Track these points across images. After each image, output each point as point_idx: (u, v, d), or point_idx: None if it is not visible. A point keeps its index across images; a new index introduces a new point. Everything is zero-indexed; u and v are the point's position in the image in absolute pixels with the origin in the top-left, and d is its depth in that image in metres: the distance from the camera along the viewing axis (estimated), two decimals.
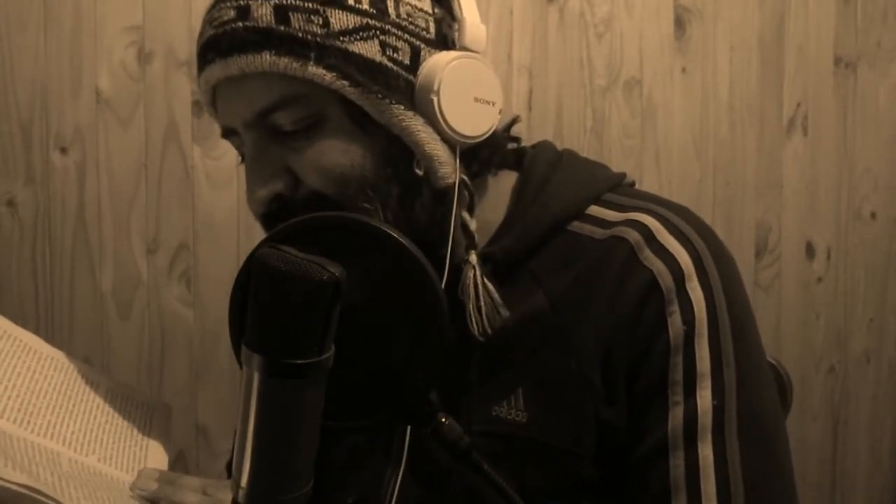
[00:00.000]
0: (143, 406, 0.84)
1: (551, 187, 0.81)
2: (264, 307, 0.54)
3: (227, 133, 0.79)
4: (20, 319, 0.81)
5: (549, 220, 0.80)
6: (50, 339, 0.85)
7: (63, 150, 1.46)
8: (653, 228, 0.77)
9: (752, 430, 0.73)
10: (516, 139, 0.86)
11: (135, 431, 0.80)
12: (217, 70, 0.74)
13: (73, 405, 0.78)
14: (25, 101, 1.44)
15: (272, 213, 0.75)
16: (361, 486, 0.82)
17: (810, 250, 1.92)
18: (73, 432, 0.74)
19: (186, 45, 1.49)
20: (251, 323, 0.55)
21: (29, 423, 0.72)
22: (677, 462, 0.72)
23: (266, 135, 0.75)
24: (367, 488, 0.81)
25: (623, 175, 0.86)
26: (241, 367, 0.56)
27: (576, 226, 0.80)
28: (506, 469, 0.65)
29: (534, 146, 0.87)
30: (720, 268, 0.77)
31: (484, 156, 0.80)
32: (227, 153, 1.51)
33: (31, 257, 1.46)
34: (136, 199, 1.49)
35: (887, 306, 2.00)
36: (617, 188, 0.84)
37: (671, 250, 0.76)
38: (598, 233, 0.79)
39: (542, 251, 0.80)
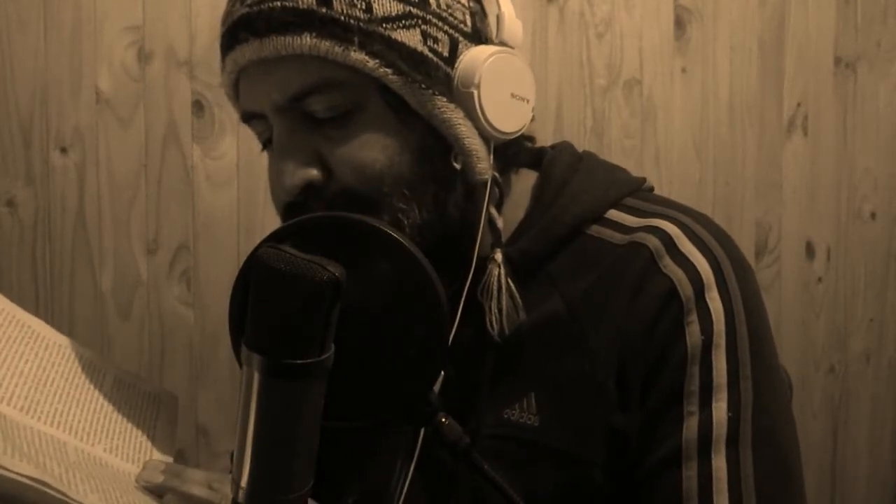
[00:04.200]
0: (150, 396, 0.84)
1: (571, 190, 0.80)
2: (264, 307, 0.54)
3: (249, 117, 0.77)
4: None
5: (568, 222, 0.79)
6: None
7: (63, 150, 1.46)
8: (673, 235, 0.76)
9: (766, 444, 0.72)
10: (530, 138, 0.85)
11: (141, 421, 0.79)
12: (250, 50, 0.72)
13: (80, 393, 0.77)
14: (25, 101, 1.44)
15: (298, 204, 0.73)
16: (362, 486, 0.82)
17: (810, 250, 1.92)
18: (79, 421, 0.73)
19: (186, 45, 1.49)
20: (251, 323, 0.55)
21: (35, 410, 0.71)
22: (690, 473, 0.71)
23: (297, 120, 0.73)
24: (367, 489, 0.81)
25: (643, 179, 0.85)
26: (241, 367, 0.56)
27: (595, 230, 0.79)
28: (515, 473, 0.64)
29: (553, 146, 0.86)
30: (740, 278, 0.75)
31: (510, 153, 0.79)
32: (227, 153, 1.51)
33: (31, 257, 1.46)
34: (136, 199, 1.49)
35: (887, 306, 2.00)
36: (636, 192, 0.83)
37: (691, 259, 0.75)
38: (618, 238, 0.78)
39: (560, 254, 0.79)
